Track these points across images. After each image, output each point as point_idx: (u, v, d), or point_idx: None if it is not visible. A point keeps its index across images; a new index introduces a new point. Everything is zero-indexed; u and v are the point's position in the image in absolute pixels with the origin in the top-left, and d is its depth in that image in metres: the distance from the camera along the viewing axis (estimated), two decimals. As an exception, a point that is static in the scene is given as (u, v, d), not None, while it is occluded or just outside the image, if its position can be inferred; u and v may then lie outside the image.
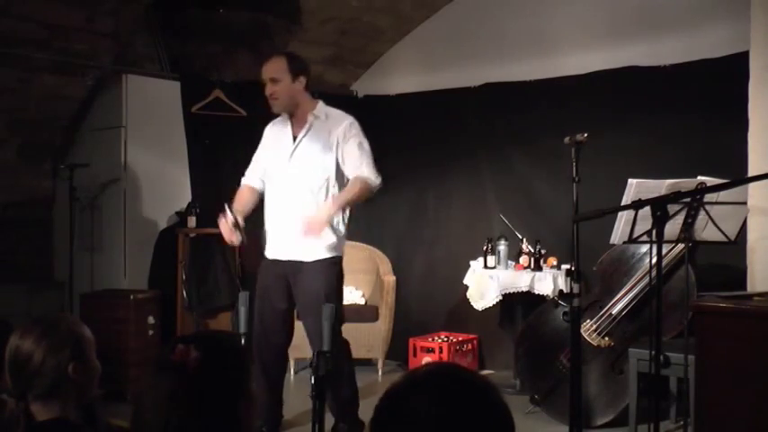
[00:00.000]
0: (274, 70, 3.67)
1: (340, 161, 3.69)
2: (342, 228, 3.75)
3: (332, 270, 3.70)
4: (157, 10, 5.57)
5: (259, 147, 3.97)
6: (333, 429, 3.79)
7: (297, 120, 3.78)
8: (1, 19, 4.44)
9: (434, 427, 1.05)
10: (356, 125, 3.75)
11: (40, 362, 1.83)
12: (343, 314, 3.76)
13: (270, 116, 5.90)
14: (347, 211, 3.77)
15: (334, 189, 3.69)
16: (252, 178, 3.96)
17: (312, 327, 3.62)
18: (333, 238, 3.69)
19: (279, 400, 3.93)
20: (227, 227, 3.62)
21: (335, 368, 3.55)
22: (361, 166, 3.65)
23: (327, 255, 3.68)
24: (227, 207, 3.64)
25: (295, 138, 3.74)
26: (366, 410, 4.02)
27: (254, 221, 5.78)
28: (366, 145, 3.72)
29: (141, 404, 1.40)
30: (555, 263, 4.87)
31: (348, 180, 3.71)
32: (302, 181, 3.69)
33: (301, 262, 3.69)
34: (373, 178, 3.67)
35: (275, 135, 3.87)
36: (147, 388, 1.42)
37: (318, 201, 3.67)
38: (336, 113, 3.79)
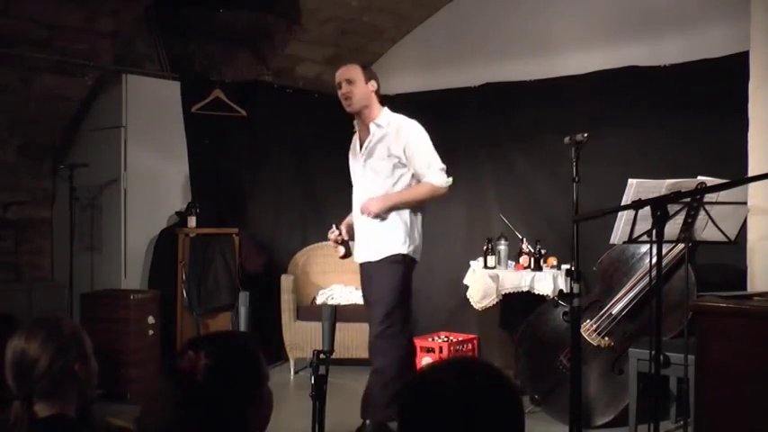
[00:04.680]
0: (350, 73, 3.89)
1: (408, 166, 3.83)
2: (411, 228, 3.83)
3: (394, 268, 3.79)
4: (157, 10, 5.58)
5: None
6: (358, 430, 3.83)
7: (364, 126, 3.94)
8: (1, 19, 4.44)
9: (456, 396, 1.22)
10: (415, 130, 3.87)
11: (47, 365, 1.84)
12: (404, 314, 3.85)
13: (272, 117, 5.94)
14: (419, 215, 3.88)
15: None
16: None
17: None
18: (397, 237, 3.80)
19: None
20: (333, 242, 3.98)
21: (384, 368, 3.72)
22: (426, 171, 3.79)
23: (391, 252, 3.80)
24: (334, 225, 3.99)
25: (362, 145, 3.92)
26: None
27: (251, 224, 5.80)
28: (427, 148, 3.84)
29: (148, 412, 1.38)
30: (555, 263, 4.87)
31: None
32: (369, 188, 3.87)
33: (370, 262, 3.86)
34: (439, 183, 3.81)
35: (354, 143, 4.05)
36: (155, 397, 1.39)
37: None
38: (398, 120, 3.92)
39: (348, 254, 3.97)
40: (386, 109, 3.94)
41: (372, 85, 3.89)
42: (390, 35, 6.19)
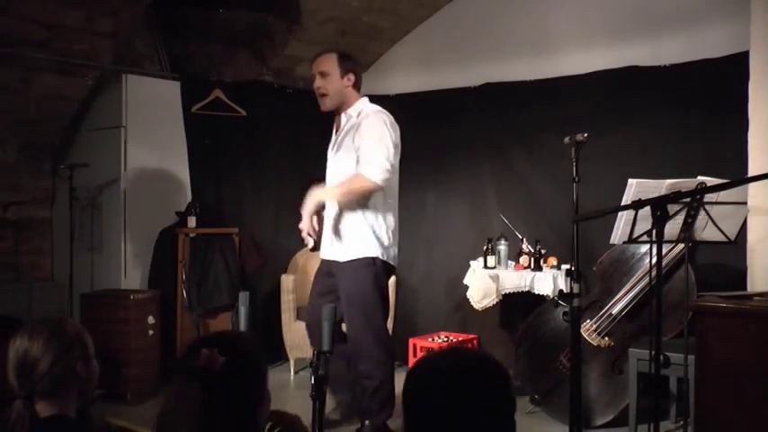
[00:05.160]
0: (325, 64, 3.67)
1: None
2: (378, 229, 3.67)
3: (365, 271, 3.63)
4: (157, 10, 5.57)
5: None
6: (357, 430, 3.76)
7: (340, 118, 3.77)
8: (1, 19, 4.44)
9: (453, 375, 1.38)
10: (374, 120, 3.61)
11: (49, 364, 1.85)
12: (380, 319, 3.70)
13: (272, 117, 5.93)
14: (387, 218, 3.72)
15: None
16: None
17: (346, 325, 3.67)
18: (364, 238, 3.64)
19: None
20: (305, 231, 3.66)
21: (373, 369, 3.59)
22: (362, 162, 3.56)
23: (359, 255, 3.64)
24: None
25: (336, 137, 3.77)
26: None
27: (251, 224, 5.79)
28: (378, 140, 3.56)
29: (173, 416, 1.39)
30: (555, 263, 4.87)
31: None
32: (335, 182, 3.72)
33: (336, 261, 3.70)
34: (369, 175, 3.53)
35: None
36: (177, 398, 1.41)
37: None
38: (368, 111, 3.69)
39: (318, 247, 3.76)
40: (363, 99, 3.75)
41: (349, 78, 3.67)
42: (390, 35, 6.19)
